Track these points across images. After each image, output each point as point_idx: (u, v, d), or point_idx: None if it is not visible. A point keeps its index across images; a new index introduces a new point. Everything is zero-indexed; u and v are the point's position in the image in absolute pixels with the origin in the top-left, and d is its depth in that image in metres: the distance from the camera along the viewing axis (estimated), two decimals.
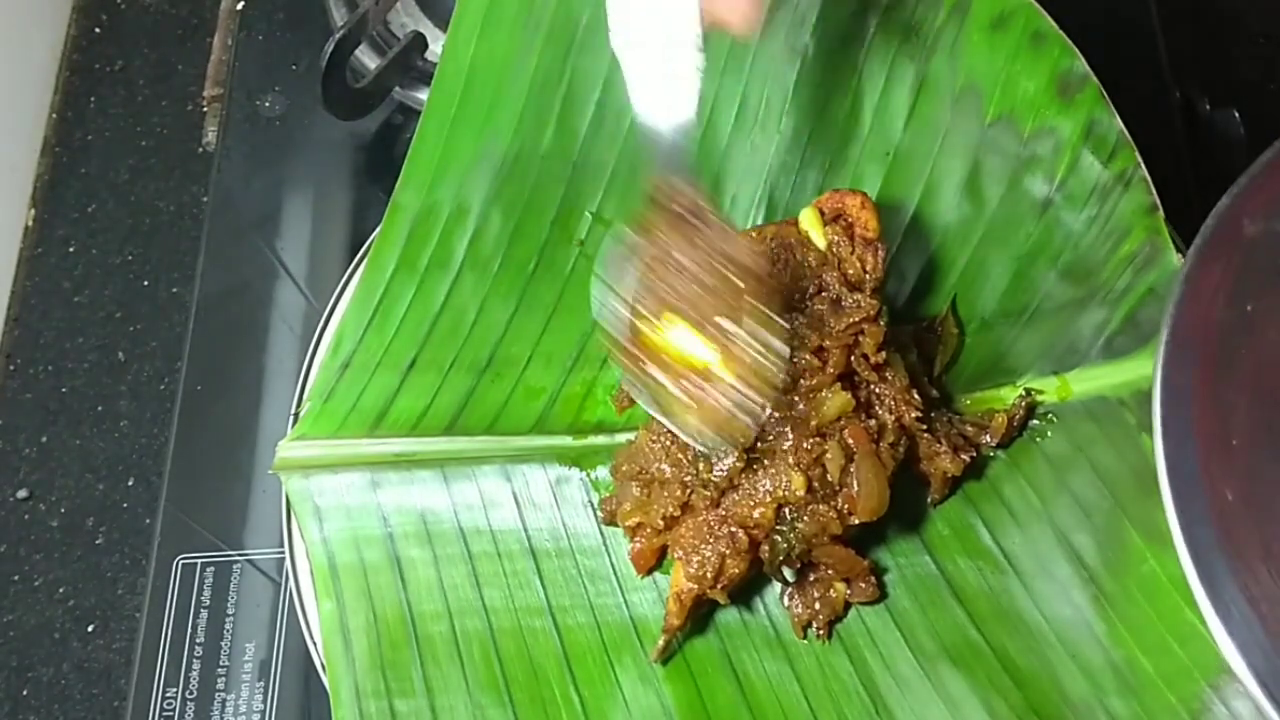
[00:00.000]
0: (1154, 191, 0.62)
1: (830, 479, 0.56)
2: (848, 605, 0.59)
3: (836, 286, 0.59)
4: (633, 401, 0.65)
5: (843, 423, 0.57)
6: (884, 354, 0.58)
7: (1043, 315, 0.64)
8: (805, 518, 0.56)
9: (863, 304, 0.58)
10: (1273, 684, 0.43)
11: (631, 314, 0.52)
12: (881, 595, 0.60)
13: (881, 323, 0.58)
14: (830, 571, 0.59)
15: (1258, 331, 0.49)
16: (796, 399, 0.56)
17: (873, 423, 0.58)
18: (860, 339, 0.58)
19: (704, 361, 0.52)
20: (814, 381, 0.56)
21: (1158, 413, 0.48)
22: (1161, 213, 0.62)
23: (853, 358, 0.58)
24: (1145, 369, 0.62)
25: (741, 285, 0.51)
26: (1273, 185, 0.51)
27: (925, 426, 0.59)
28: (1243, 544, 0.45)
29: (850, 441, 0.56)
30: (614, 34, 0.51)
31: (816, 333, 0.57)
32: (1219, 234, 0.51)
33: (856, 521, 0.56)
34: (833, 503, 0.56)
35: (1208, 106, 0.81)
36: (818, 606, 0.59)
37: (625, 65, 0.51)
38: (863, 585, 0.59)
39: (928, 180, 0.66)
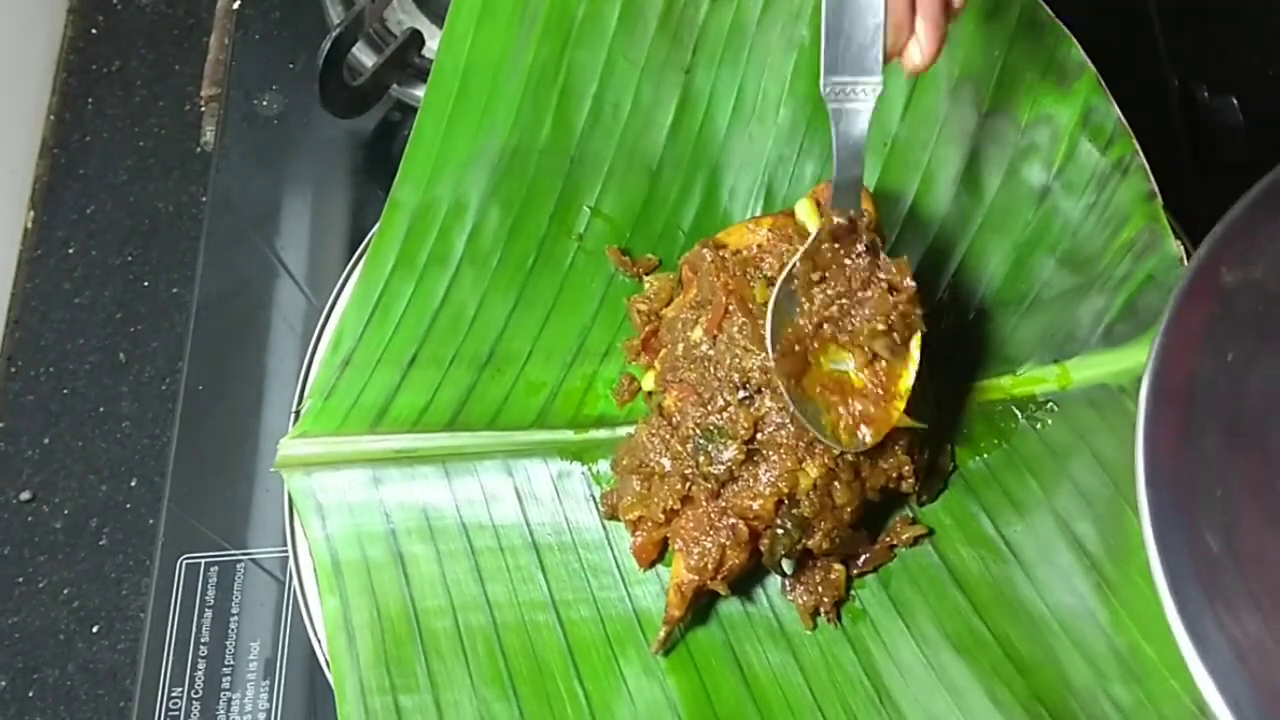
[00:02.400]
0: (1152, 179, 0.62)
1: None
2: (849, 584, 0.59)
3: None
4: (633, 395, 0.65)
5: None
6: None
7: (1042, 303, 0.64)
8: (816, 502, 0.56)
9: None
10: None
11: (786, 330, 0.55)
12: (891, 555, 0.60)
13: None
14: (828, 554, 0.59)
15: (1238, 380, 0.48)
16: None
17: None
18: None
19: (845, 373, 0.56)
20: None
21: (1141, 465, 0.47)
22: (1160, 200, 0.62)
23: None
24: (1145, 356, 0.62)
25: (890, 298, 0.55)
26: (1250, 232, 0.50)
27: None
28: (1229, 594, 0.44)
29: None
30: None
31: None
32: (1198, 282, 0.50)
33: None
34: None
35: (1206, 93, 0.81)
36: (821, 590, 0.59)
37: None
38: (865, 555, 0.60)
39: (925, 170, 0.66)
